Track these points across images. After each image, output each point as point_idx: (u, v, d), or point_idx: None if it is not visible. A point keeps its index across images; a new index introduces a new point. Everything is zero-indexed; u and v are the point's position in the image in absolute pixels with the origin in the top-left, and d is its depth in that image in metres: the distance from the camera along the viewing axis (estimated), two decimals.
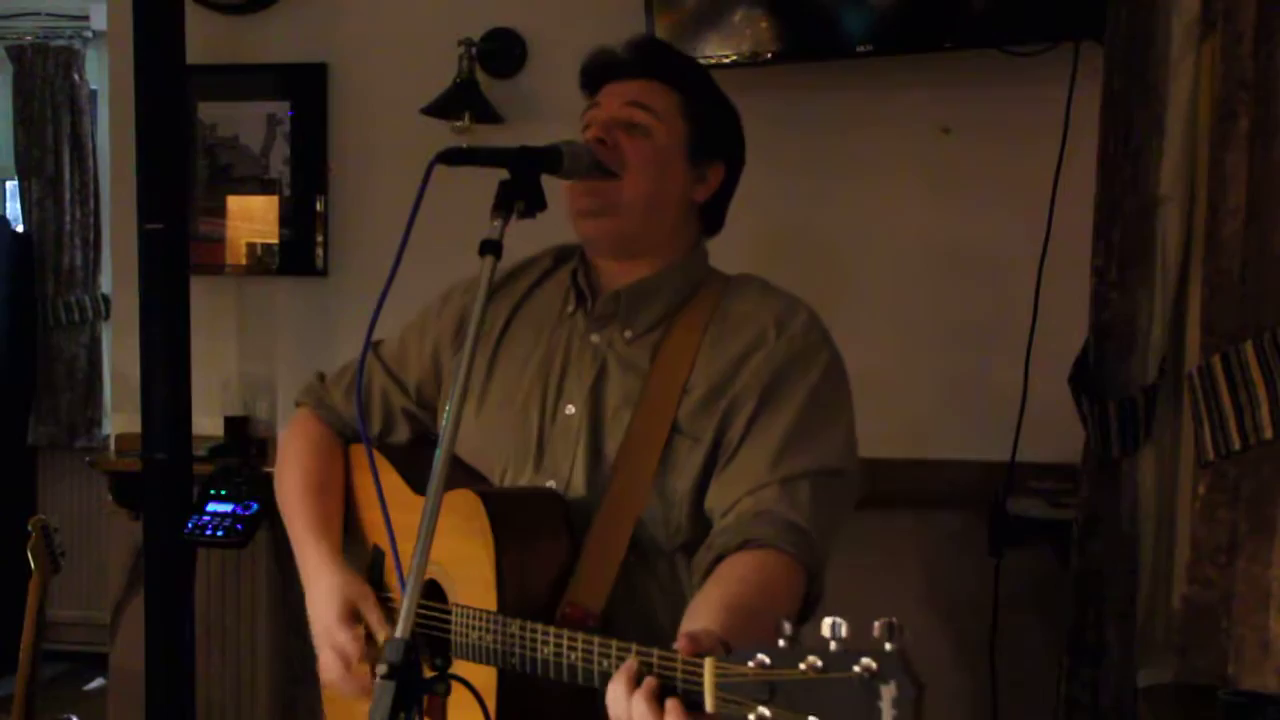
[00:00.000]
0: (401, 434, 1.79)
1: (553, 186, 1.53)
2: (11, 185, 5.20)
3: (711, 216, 1.71)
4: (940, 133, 2.96)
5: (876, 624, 0.98)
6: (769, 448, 1.51)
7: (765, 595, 1.38)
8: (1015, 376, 2.78)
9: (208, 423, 3.23)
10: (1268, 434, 1.88)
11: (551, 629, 1.33)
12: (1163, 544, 2.33)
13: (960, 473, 2.94)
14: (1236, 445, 1.92)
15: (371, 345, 1.79)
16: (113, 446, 3.43)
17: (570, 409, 1.60)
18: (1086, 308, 2.39)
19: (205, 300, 3.18)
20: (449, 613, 1.49)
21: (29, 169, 4.93)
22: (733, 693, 1.06)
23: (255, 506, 2.97)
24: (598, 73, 1.68)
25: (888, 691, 0.96)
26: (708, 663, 1.10)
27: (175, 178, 3.01)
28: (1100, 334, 2.36)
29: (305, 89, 3.29)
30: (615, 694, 1.19)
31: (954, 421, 2.98)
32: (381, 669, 1.18)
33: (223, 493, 3.01)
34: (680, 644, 1.17)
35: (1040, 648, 2.75)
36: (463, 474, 1.62)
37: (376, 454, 1.67)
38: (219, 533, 2.94)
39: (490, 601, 1.43)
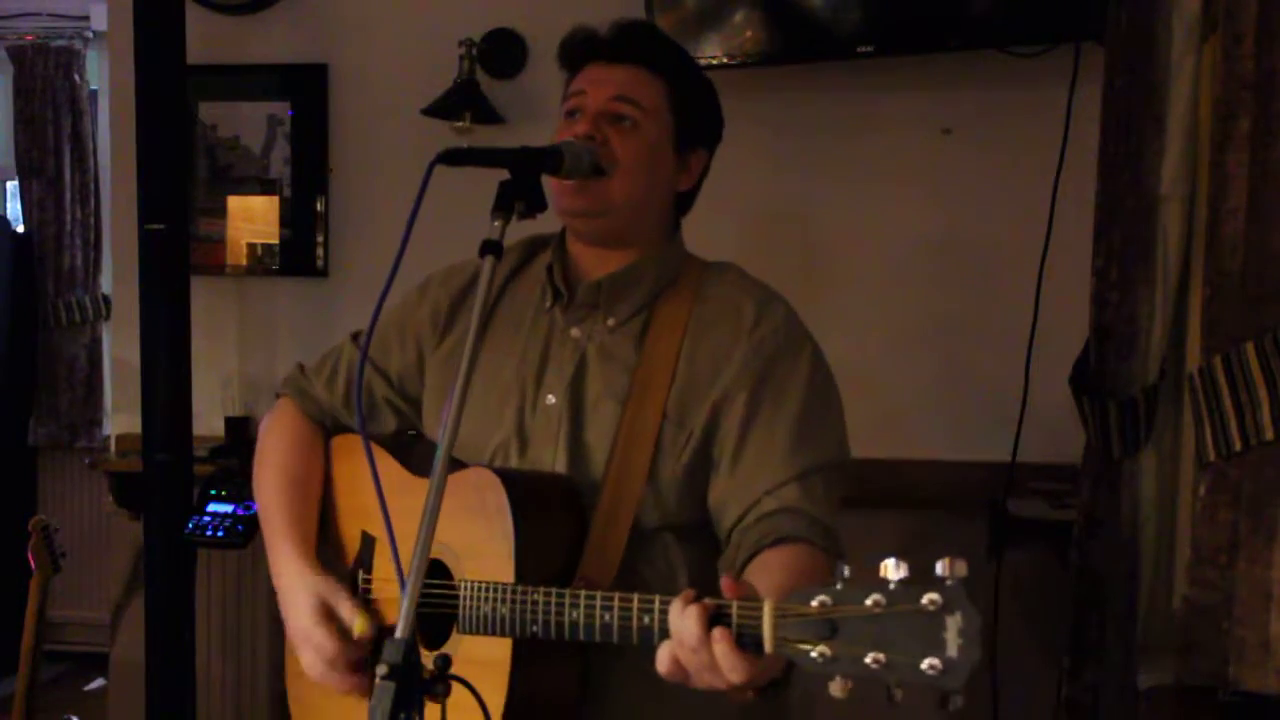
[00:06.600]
0: (387, 424, 1.79)
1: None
2: (12, 185, 5.19)
3: (686, 200, 1.72)
4: (941, 133, 2.96)
5: (939, 563, 1.01)
6: (779, 445, 1.54)
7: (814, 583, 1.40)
8: (1015, 377, 2.78)
9: (208, 423, 3.23)
10: (1269, 435, 1.88)
11: (582, 592, 1.36)
12: (1163, 545, 2.33)
13: (960, 473, 2.94)
14: (1237, 446, 1.92)
15: (352, 335, 1.82)
16: (113, 447, 3.43)
17: (551, 399, 1.62)
18: (1087, 308, 2.38)
19: (205, 300, 3.17)
20: (454, 589, 1.50)
21: (29, 169, 4.93)
22: (792, 632, 1.08)
23: (255, 507, 2.97)
24: (579, 51, 1.66)
25: (953, 622, 0.99)
26: (766, 604, 1.12)
27: (175, 178, 3.00)
28: (1101, 334, 2.35)
29: (305, 89, 3.29)
30: (673, 613, 1.21)
31: (954, 422, 2.97)
32: (381, 669, 1.18)
33: (223, 493, 3.01)
34: (723, 584, 1.19)
35: (1040, 648, 2.75)
36: (453, 464, 1.64)
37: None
38: (219, 533, 2.93)
39: (506, 575, 1.46)
